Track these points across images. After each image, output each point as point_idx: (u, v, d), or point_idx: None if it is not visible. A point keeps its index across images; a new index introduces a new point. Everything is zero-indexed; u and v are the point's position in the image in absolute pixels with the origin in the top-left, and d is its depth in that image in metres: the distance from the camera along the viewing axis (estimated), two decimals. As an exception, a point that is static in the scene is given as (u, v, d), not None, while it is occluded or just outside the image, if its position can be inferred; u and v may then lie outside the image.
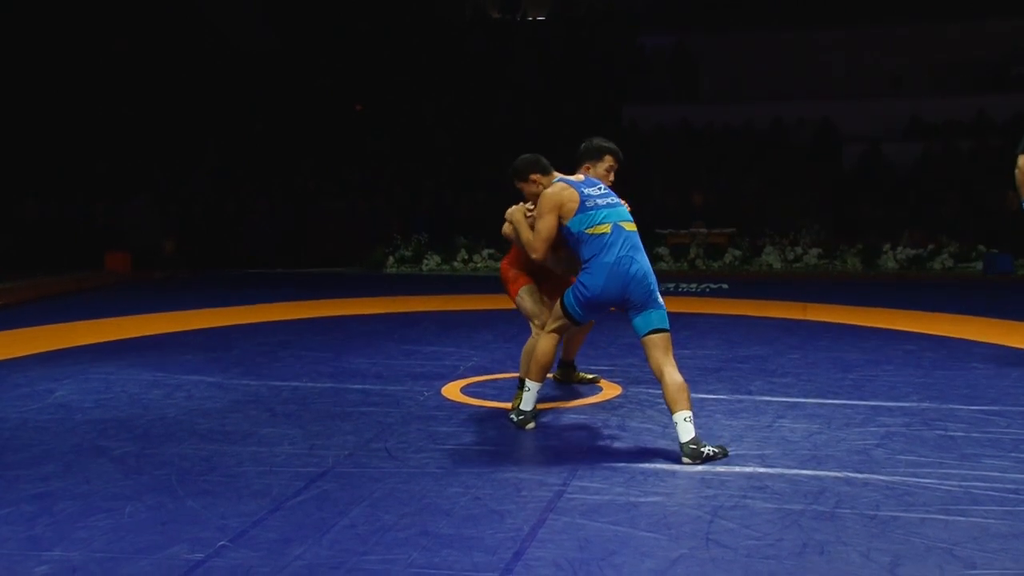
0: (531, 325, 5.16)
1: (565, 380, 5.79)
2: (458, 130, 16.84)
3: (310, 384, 5.83)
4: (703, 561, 3.09)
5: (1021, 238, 12.41)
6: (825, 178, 15.06)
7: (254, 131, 16.74)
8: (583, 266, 4.54)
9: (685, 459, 4.15)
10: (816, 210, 14.12)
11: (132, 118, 16.57)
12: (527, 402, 4.76)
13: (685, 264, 13.06)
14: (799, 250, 13.17)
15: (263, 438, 4.61)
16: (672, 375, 4.30)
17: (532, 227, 4.71)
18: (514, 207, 4.95)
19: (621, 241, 4.49)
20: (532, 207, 4.77)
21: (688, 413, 4.20)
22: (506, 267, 5.40)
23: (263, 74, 17.74)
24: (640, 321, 4.43)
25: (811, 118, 16.20)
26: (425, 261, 13.79)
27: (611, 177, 5.01)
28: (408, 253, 13.96)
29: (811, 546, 3.20)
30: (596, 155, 4.99)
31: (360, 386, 5.76)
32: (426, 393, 5.56)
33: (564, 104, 16.91)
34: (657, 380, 4.39)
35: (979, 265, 12.41)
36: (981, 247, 12.62)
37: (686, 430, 4.18)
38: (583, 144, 5.08)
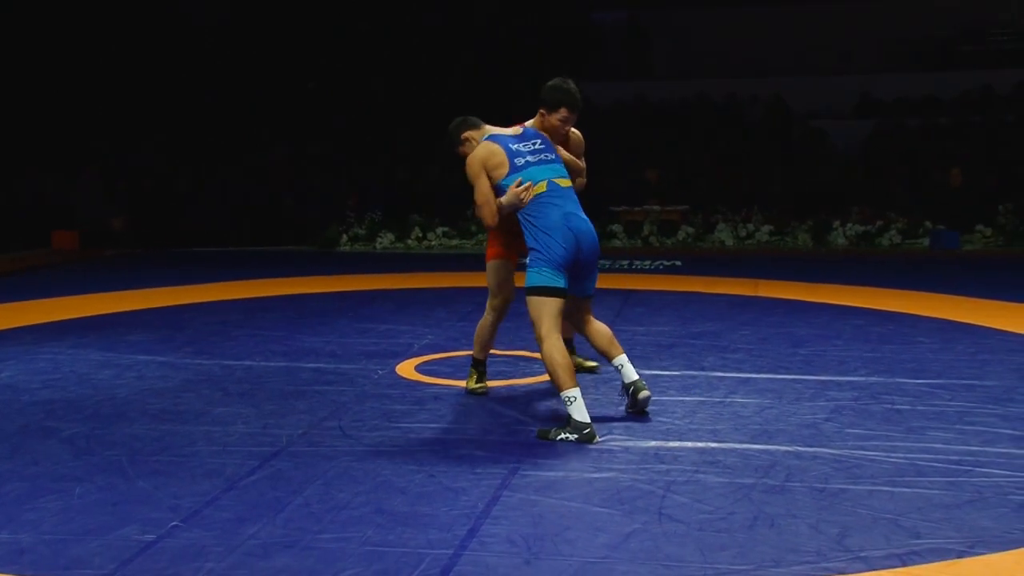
0: (488, 302, 5.10)
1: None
2: (410, 106, 16.72)
3: (263, 363, 5.79)
4: (656, 535, 3.13)
5: (966, 215, 12.66)
6: (777, 155, 15.20)
7: (206, 105, 16.47)
8: (528, 232, 4.32)
9: (645, 392, 4.41)
10: (768, 187, 14.26)
11: (80, 90, 16.19)
12: (578, 413, 4.17)
13: (639, 241, 13.12)
14: (751, 227, 13.30)
15: (216, 417, 4.57)
16: (599, 324, 4.52)
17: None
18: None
19: (559, 199, 4.34)
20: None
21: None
22: (493, 234, 5.02)
23: (216, 48, 17.42)
24: (588, 284, 4.46)
25: (763, 95, 16.32)
26: (379, 239, 13.70)
27: (566, 128, 4.69)
28: (362, 231, 13.87)
29: (762, 519, 3.25)
30: (551, 103, 4.59)
31: (314, 365, 5.73)
32: (380, 372, 5.55)
33: (517, 80, 16.85)
34: (582, 335, 4.56)
35: (926, 241, 12.63)
36: (928, 224, 12.84)
37: (631, 370, 4.47)
38: (546, 84, 4.66)
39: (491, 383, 5.20)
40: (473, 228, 13.69)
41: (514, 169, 4.39)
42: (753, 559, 2.94)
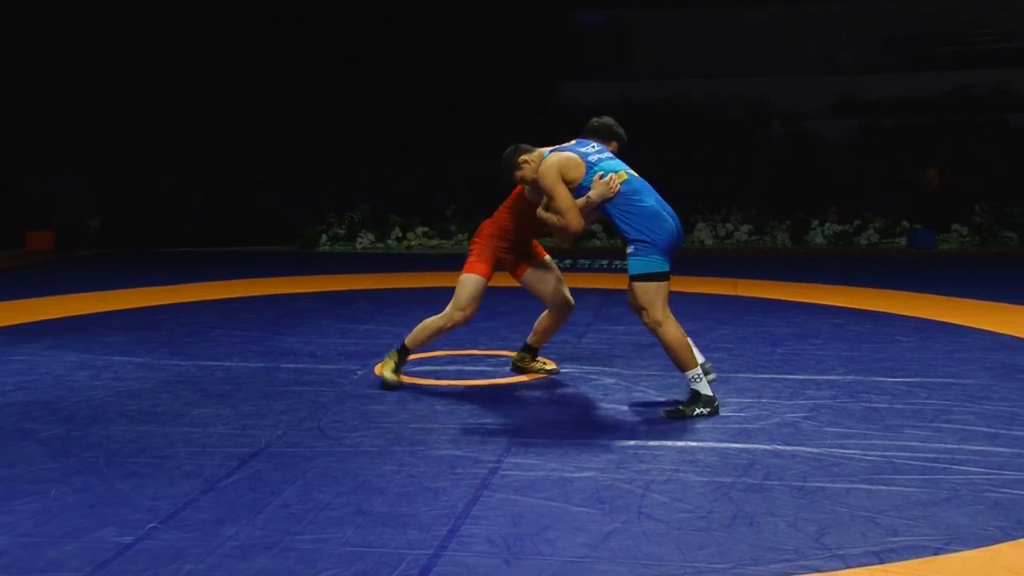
0: (448, 307, 5.03)
1: (522, 367, 5.42)
2: (392, 105, 16.69)
3: (242, 364, 5.76)
4: (636, 534, 3.14)
5: (943, 214, 12.76)
6: (759, 154, 15.27)
7: (186, 105, 16.35)
8: (626, 222, 4.45)
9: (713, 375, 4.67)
10: (749, 186, 14.32)
11: (60, 89, 16.04)
12: (704, 388, 4.48)
13: (619, 240, 13.16)
14: (730, 226, 13.35)
15: (194, 418, 4.55)
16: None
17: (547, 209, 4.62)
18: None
19: (644, 186, 4.54)
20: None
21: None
22: (484, 236, 5.09)
23: (203, 46, 17.29)
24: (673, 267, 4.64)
25: (746, 95, 16.39)
26: (359, 239, 13.67)
27: None
28: (342, 231, 13.83)
29: (741, 517, 3.27)
30: (603, 137, 4.89)
31: (293, 365, 5.71)
32: (360, 372, 5.53)
33: (501, 79, 16.86)
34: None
35: (903, 241, 12.72)
36: (905, 223, 12.93)
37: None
38: (594, 120, 4.96)
39: (472, 382, 5.20)
40: (453, 228, 13.68)
41: (591, 166, 4.51)
42: (732, 557, 2.95)
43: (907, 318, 7.09)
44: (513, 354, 5.59)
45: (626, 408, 4.72)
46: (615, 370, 5.47)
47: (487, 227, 5.15)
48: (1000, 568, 2.86)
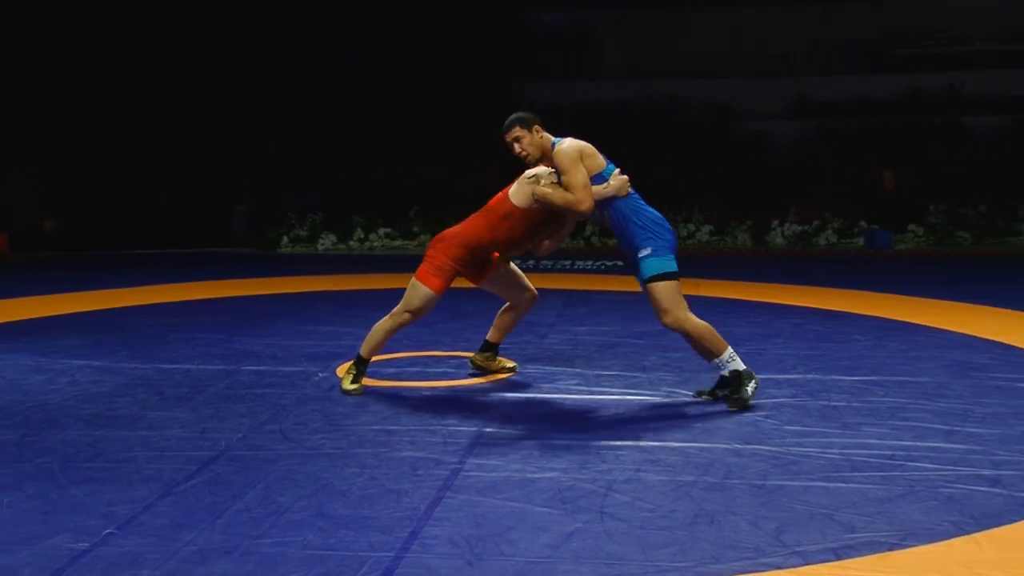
0: (396, 308, 4.98)
1: (484, 366, 5.39)
2: (352, 106, 16.62)
3: (202, 366, 5.70)
4: (598, 534, 3.15)
5: (899, 215, 12.95)
6: (717, 156, 15.40)
7: (146, 105, 16.15)
8: (641, 223, 4.58)
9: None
10: (709, 187, 14.44)
11: (17, 88, 15.77)
12: (742, 365, 4.62)
13: (581, 241, 13.19)
14: (691, 227, 13.45)
15: (152, 422, 4.49)
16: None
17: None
18: (533, 180, 4.75)
19: (638, 195, 4.69)
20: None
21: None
22: (447, 251, 4.92)
23: (170, 43, 17.08)
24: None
25: (704, 97, 16.52)
26: (320, 241, 13.59)
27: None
28: (303, 233, 13.75)
29: (702, 516, 3.29)
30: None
31: (254, 367, 5.66)
32: (322, 374, 5.50)
33: (461, 80, 16.85)
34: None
35: (861, 241, 12.89)
36: (863, 223, 13.10)
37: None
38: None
39: (434, 383, 5.19)
40: (415, 229, 13.65)
41: (608, 162, 4.65)
42: (693, 556, 2.97)
43: (865, 317, 7.18)
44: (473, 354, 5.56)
45: (588, 408, 4.74)
46: (577, 370, 5.49)
47: (453, 240, 4.93)
48: (953, 563, 2.91)
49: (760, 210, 13.65)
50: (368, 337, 5.09)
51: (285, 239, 13.61)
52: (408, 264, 10.75)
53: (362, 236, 13.59)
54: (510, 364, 5.49)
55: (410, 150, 15.37)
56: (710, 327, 4.64)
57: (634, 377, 5.35)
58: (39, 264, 11.91)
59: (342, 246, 13.51)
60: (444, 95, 16.42)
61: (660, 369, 5.54)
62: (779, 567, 2.89)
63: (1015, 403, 4.68)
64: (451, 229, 5.07)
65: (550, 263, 10.99)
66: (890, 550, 2.99)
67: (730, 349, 4.65)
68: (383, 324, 5.04)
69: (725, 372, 4.66)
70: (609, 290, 8.94)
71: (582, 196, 4.51)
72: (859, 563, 2.91)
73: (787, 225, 13.28)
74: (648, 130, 15.89)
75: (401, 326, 5.02)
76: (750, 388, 4.61)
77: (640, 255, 4.59)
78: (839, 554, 2.97)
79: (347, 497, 3.50)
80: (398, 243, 13.48)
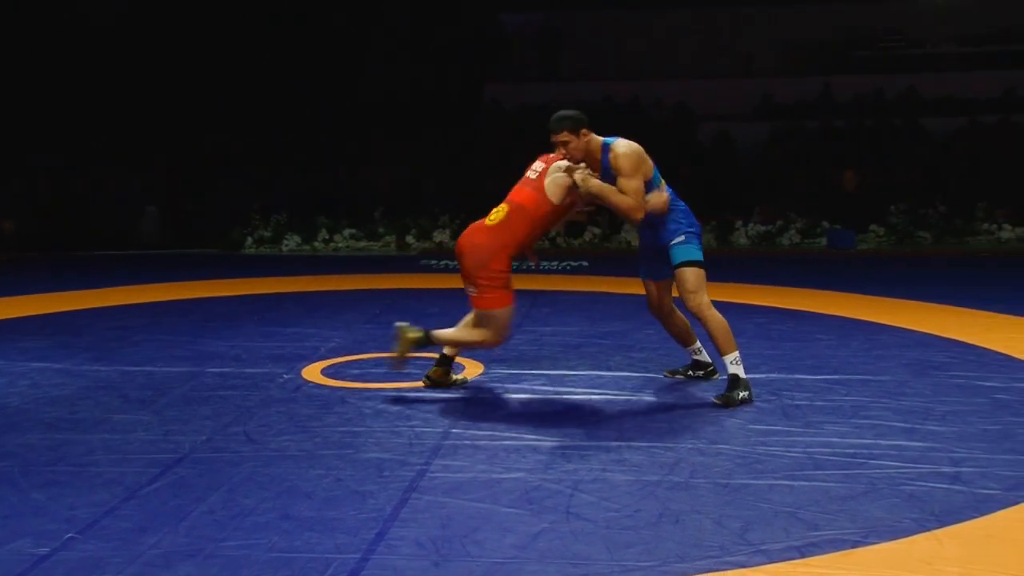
0: (489, 337, 4.81)
1: (439, 381, 5.12)
2: (317, 105, 16.52)
3: (165, 368, 5.65)
4: (564, 534, 3.16)
5: (861, 215, 13.11)
6: (681, 157, 15.47)
7: (105, 105, 15.95)
8: (680, 213, 4.86)
9: (716, 375, 5.07)
10: (674, 188, 14.50)
11: None
12: (743, 372, 4.76)
13: (546, 242, 13.21)
14: (657, 227, 13.51)
15: (115, 425, 4.44)
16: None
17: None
18: (573, 173, 4.67)
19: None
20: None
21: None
22: (495, 261, 4.81)
23: (117, 45, 16.88)
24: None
25: (668, 98, 16.60)
26: (285, 241, 13.50)
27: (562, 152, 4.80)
28: (267, 233, 13.65)
29: (667, 515, 3.31)
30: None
31: (218, 369, 5.61)
32: (286, 376, 5.47)
33: (426, 81, 16.81)
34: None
35: (823, 241, 13.02)
36: (825, 224, 13.24)
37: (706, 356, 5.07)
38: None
39: (399, 384, 5.18)
40: (381, 230, 13.59)
41: (656, 172, 4.83)
42: (659, 555, 2.99)
43: (827, 316, 7.26)
44: (434, 355, 5.28)
45: (554, 409, 4.75)
46: (543, 371, 5.50)
47: (496, 255, 4.82)
48: (915, 559, 2.95)
49: (724, 210, 13.74)
50: (455, 331, 4.90)
51: (249, 240, 13.50)
52: (373, 266, 10.74)
53: (327, 237, 13.51)
54: (462, 376, 5.27)
55: (376, 151, 15.32)
56: (726, 324, 4.80)
57: (599, 377, 5.37)
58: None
59: (307, 247, 13.43)
60: (412, 97, 16.37)
61: (625, 369, 5.57)
62: (744, 566, 2.92)
63: (974, 401, 4.76)
64: (476, 239, 4.86)
65: (515, 264, 11.00)
66: (853, 547, 3.03)
67: (737, 352, 4.77)
68: (473, 336, 4.86)
69: (727, 372, 4.78)
70: (574, 290, 8.96)
71: (638, 204, 4.61)
72: (823, 560, 2.94)
73: (751, 225, 13.39)
74: (612, 131, 15.92)
75: (484, 348, 5.10)
76: (741, 396, 4.70)
77: (673, 242, 4.83)
78: (803, 552, 3.00)
79: (312, 499, 3.48)
80: (363, 244, 13.43)
